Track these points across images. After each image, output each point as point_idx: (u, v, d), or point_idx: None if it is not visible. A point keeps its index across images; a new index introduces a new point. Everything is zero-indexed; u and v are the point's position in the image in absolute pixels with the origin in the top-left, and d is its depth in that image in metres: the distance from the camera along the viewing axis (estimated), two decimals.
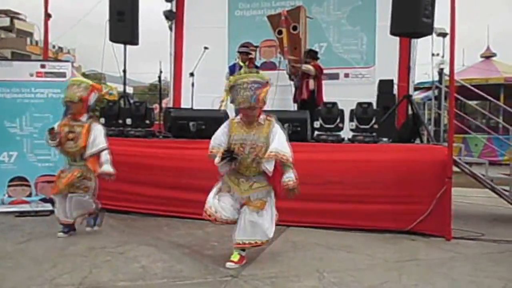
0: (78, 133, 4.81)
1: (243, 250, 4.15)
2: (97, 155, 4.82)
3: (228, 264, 4.04)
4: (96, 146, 4.79)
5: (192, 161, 5.91)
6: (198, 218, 5.68)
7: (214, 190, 4.21)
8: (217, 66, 8.36)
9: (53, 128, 4.85)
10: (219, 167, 4.12)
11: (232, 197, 4.15)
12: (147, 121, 6.66)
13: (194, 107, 7.62)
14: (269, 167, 3.98)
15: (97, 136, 4.83)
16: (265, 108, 6.96)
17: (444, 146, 5.50)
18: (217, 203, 4.10)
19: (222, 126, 4.25)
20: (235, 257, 4.11)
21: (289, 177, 4.02)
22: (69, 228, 4.99)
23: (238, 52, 7.93)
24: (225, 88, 4.32)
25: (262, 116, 4.17)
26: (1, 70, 6.31)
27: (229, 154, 4.00)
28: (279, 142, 4.03)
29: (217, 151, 4.10)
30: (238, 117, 4.25)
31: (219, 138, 4.19)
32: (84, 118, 4.91)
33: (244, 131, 4.12)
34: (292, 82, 7.85)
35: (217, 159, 4.03)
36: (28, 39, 47.18)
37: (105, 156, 4.79)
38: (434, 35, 6.83)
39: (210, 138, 6.02)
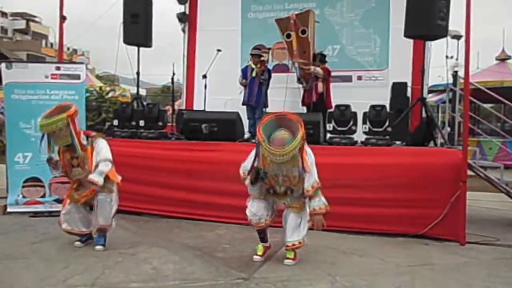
0: (83, 158, 4.49)
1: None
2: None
3: (286, 261, 4.24)
4: (96, 162, 4.47)
5: (204, 163, 5.93)
6: (209, 220, 5.74)
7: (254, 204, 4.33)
8: (230, 68, 8.36)
9: (51, 158, 4.58)
10: (250, 189, 4.29)
11: (265, 201, 4.30)
12: (160, 123, 6.70)
13: (207, 109, 7.64)
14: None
15: (98, 151, 4.51)
16: (276, 110, 6.99)
17: (458, 150, 5.44)
18: (252, 210, 4.28)
19: (254, 152, 4.19)
20: (290, 254, 4.29)
21: (321, 201, 4.16)
22: (87, 237, 4.73)
23: (251, 54, 7.94)
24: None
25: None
26: (16, 72, 6.39)
27: (257, 173, 4.13)
28: (310, 176, 4.11)
29: (247, 175, 4.22)
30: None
31: (249, 164, 4.20)
32: (83, 140, 4.54)
33: (277, 163, 4.05)
34: (300, 85, 7.83)
35: (247, 180, 4.21)
36: (43, 41, 47.85)
37: (101, 166, 4.44)
38: (448, 37, 6.75)
39: (222, 140, 6.14)
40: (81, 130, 4.66)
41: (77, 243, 4.70)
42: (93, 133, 4.70)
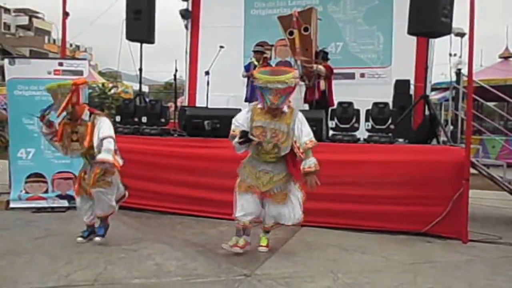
0: (82, 133, 4.52)
1: (268, 232, 4.54)
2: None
3: (261, 249, 4.44)
4: (98, 139, 4.42)
5: (206, 159, 5.93)
6: (211, 217, 5.75)
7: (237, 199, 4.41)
8: (233, 65, 8.35)
9: (44, 116, 4.57)
10: (236, 148, 4.34)
11: (252, 196, 4.35)
12: (163, 120, 6.69)
13: (209, 106, 7.64)
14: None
15: (100, 129, 4.46)
16: None
17: (461, 148, 5.43)
18: (242, 212, 4.36)
19: (245, 111, 4.42)
20: (264, 241, 4.50)
21: (311, 161, 4.21)
22: (89, 232, 4.76)
23: (253, 51, 7.93)
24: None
25: (285, 105, 4.30)
26: (19, 67, 6.40)
27: (246, 135, 4.20)
28: (307, 130, 4.26)
29: (237, 132, 4.27)
30: (260, 104, 4.35)
31: (241, 120, 4.34)
32: (86, 116, 4.57)
33: (267, 118, 4.26)
34: (303, 83, 7.82)
35: (236, 139, 4.24)
36: (46, 38, 47.85)
37: (106, 144, 4.36)
38: (452, 35, 6.73)
39: (225, 137, 6.04)
40: (86, 105, 4.69)
41: (79, 238, 4.70)
42: (97, 111, 4.72)
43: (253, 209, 4.37)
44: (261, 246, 4.50)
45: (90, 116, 4.59)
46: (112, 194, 4.68)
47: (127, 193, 4.98)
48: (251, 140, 4.22)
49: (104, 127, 4.49)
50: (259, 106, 4.34)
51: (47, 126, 4.64)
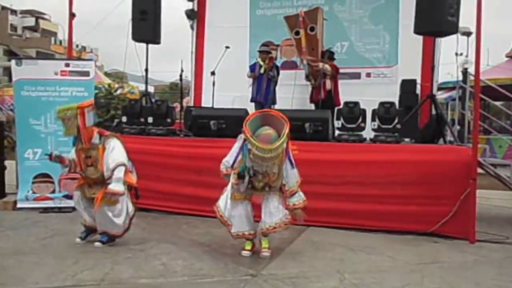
0: (95, 157, 4.46)
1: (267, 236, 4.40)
2: (126, 171, 4.48)
3: (264, 255, 4.31)
4: (109, 170, 4.40)
5: (212, 159, 5.89)
6: (217, 217, 5.74)
7: (226, 194, 4.41)
8: (238, 65, 8.35)
9: (51, 154, 4.61)
10: (237, 187, 4.31)
11: (245, 207, 4.35)
12: (169, 120, 6.71)
13: (215, 106, 7.64)
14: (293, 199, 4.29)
15: (110, 154, 4.42)
16: (285, 107, 6.97)
17: (468, 147, 5.40)
18: (231, 214, 4.35)
19: (234, 147, 4.36)
20: (265, 243, 4.38)
21: (300, 196, 4.28)
22: (87, 233, 4.70)
23: (259, 51, 7.93)
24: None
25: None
26: (26, 68, 6.44)
27: (243, 174, 4.17)
28: (294, 174, 4.26)
29: (229, 171, 4.33)
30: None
31: (231, 159, 4.33)
32: (96, 139, 4.50)
33: (257, 161, 4.11)
34: (309, 83, 7.81)
35: (233, 179, 4.28)
36: (53, 39, 48.13)
37: (116, 173, 4.36)
38: (458, 34, 6.69)
39: (230, 136, 6.08)
40: (95, 128, 4.58)
41: (77, 239, 4.66)
42: (107, 133, 4.66)
43: (248, 225, 4.37)
44: (264, 249, 4.37)
45: (100, 138, 4.53)
46: (117, 214, 4.51)
47: (135, 209, 4.79)
48: (251, 175, 4.17)
49: (114, 153, 4.43)
50: (249, 146, 4.09)
51: (59, 163, 4.63)
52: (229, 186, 4.39)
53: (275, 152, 3.98)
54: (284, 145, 4.05)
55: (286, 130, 4.02)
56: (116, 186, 4.33)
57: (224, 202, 4.40)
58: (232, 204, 4.35)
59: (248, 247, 4.42)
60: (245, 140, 4.11)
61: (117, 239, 4.64)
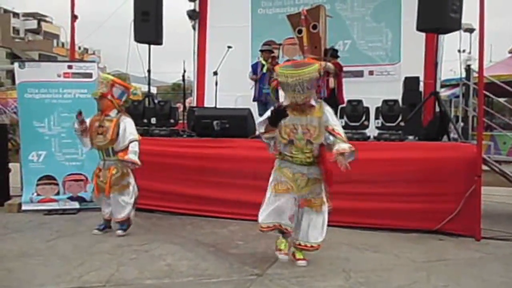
0: (107, 127, 4.93)
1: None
2: (127, 148, 4.88)
3: (300, 263, 4.05)
4: (126, 139, 4.89)
5: (216, 159, 5.94)
6: (222, 217, 5.75)
7: (267, 195, 4.06)
8: (240, 64, 8.35)
9: (81, 113, 4.94)
10: (266, 139, 4.03)
11: (289, 200, 3.98)
12: (172, 120, 6.71)
13: (218, 106, 7.64)
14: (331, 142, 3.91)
15: (126, 128, 4.92)
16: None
17: (472, 144, 5.38)
18: (273, 207, 3.99)
19: (269, 111, 3.99)
20: (300, 255, 4.11)
21: (346, 144, 3.86)
22: (105, 225, 5.13)
23: (261, 50, 7.92)
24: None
25: (313, 99, 4.00)
26: (29, 71, 6.45)
27: (276, 111, 3.81)
28: (335, 121, 4.03)
29: (264, 121, 3.94)
30: (286, 101, 4.01)
31: (266, 116, 3.97)
32: (113, 113, 5.01)
33: (296, 114, 3.95)
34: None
35: (262, 125, 3.94)
36: (55, 41, 48.25)
37: (133, 147, 4.86)
38: (461, 30, 6.66)
39: (234, 136, 6.14)
40: (117, 105, 5.08)
41: (95, 230, 5.04)
42: (124, 112, 5.19)
43: (290, 212, 3.99)
44: (299, 260, 4.09)
45: (117, 114, 5.03)
46: (129, 197, 5.00)
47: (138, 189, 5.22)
48: (283, 113, 3.81)
49: (131, 128, 4.96)
50: (285, 103, 3.99)
51: (80, 123, 4.98)
52: (270, 182, 4.09)
53: (305, 76, 3.79)
54: (316, 74, 3.85)
55: (319, 64, 3.92)
56: (134, 157, 4.82)
57: (262, 208, 4.08)
58: (273, 198, 4.01)
59: (283, 246, 4.12)
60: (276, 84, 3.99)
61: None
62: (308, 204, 4.03)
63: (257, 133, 4.11)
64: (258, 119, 4.06)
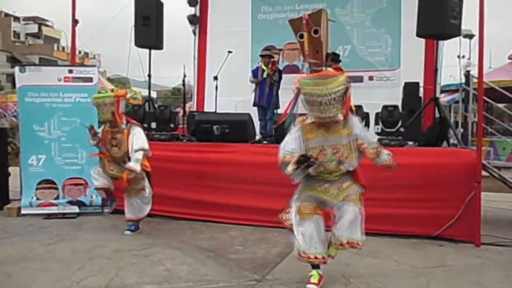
0: (120, 139, 5.11)
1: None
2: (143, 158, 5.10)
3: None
4: (132, 150, 5.04)
5: (216, 164, 5.94)
6: (221, 222, 5.75)
7: (294, 218, 3.71)
8: (240, 69, 8.37)
9: (92, 126, 5.17)
10: (294, 177, 3.60)
11: (317, 224, 3.66)
12: (172, 125, 6.72)
13: (218, 111, 7.65)
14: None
15: (134, 139, 5.07)
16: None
17: (472, 150, 5.38)
18: (299, 230, 3.66)
19: (292, 131, 3.69)
20: (332, 251, 3.77)
21: (387, 154, 3.75)
22: (112, 200, 5.48)
23: (261, 55, 7.94)
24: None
25: (340, 113, 3.53)
26: (30, 75, 6.46)
27: (306, 160, 3.46)
28: (370, 134, 3.81)
29: (289, 159, 3.53)
30: (309, 118, 3.65)
31: (292, 145, 3.62)
32: (123, 124, 5.15)
33: (322, 132, 3.59)
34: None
35: (290, 167, 3.50)
36: (55, 45, 48.35)
37: (136, 155, 5.00)
38: (460, 36, 6.68)
39: (234, 141, 6.14)
40: (124, 115, 5.28)
41: (127, 232, 5.26)
42: (133, 121, 5.32)
43: (319, 235, 3.67)
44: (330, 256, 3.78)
45: (126, 124, 5.18)
46: (146, 201, 5.28)
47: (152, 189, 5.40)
48: (313, 164, 3.49)
49: (139, 138, 5.10)
50: (308, 121, 3.63)
51: (93, 136, 5.19)
52: (294, 197, 3.78)
53: (332, 91, 3.40)
54: (342, 88, 3.47)
55: (344, 76, 3.55)
56: (134, 165, 4.97)
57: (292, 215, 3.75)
58: (299, 221, 3.66)
59: (315, 279, 3.68)
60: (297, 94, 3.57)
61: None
62: (346, 200, 3.67)
63: (284, 173, 3.64)
64: (289, 171, 3.56)
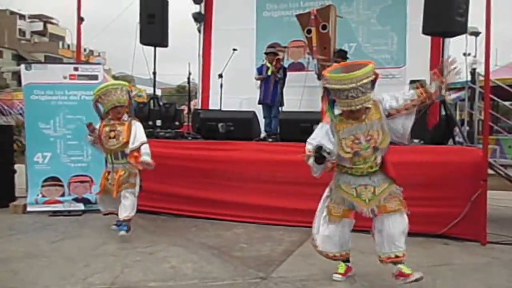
0: (120, 131, 5.02)
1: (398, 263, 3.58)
2: (137, 150, 4.99)
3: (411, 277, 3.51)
4: (137, 141, 5.00)
5: (221, 162, 5.94)
6: (226, 219, 5.75)
7: (321, 213, 3.70)
8: (245, 67, 8.35)
9: (91, 123, 5.07)
10: (313, 171, 3.59)
11: (342, 226, 3.67)
12: (177, 123, 6.74)
13: (223, 109, 7.65)
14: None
15: (137, 131, 5.05)
16: (295, 109, 6.91)
17: (478, 148, 5.35)
18: (324, 235, 3.67)
19: (320, 124, 3.64)
20: (407, 269, 3.56)
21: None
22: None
23: (265, 53, 7.92)
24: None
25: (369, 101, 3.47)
26: (36, 72, 6.48)
27: (318, 150, 3.41)
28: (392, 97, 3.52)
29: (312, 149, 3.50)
30: (336, 110, 3.59)
31: (319, 137, 3.55)
32: (125, 117, 5.11)
33: (352, 122, 3.50)
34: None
35: (310, 159, 3.50)
36: (60, 43, 48.51)
37: (145, 149, 5.01)
38: (466, 34, 6.64)
39: (239, 139, 6.14)
40: (126, 108, 5.17)
41: (113, 226, 5.11)
42: (133, 116, 5.27)
43: (342, 243, 3.72)
44: (407, 276, 3.54)
45: (128, 117, 5.14)
46: (136, 195, 5.06)
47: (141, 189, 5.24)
48: (323, 157, 3.43)
49: (141, 132, 5.09)
50: (336, 111, 3.58)
51: (91, 132, 5.08)
52: (325, 194, 3.75)
53: (357, 81, 3.31)
54: (370, 78, 3.38)
55: (371, 65, 3.45)
56: (148, 158, 4.99)
57: (317, 222, 3.73)
58: (327, 223, 3.66)
59: (341, 270, 3.80)
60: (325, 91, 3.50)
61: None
62: (385, 210, 3.54)
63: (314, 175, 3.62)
64: (309, 162, 3.51)
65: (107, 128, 5.06)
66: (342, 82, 3.36)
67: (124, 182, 5.00)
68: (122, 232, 4.88)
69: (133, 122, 5.09)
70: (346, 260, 3.85)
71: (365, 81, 3.37)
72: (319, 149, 3.42)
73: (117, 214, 5.08)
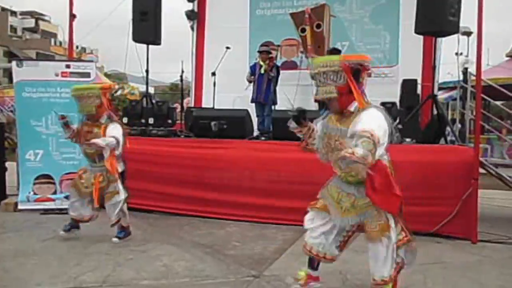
0: (96, 133, 4.67)
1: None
2: (114, 155, 4.64)
3: None
4: (105, 139, 4.59)
5: (213, 160, 5.94)
6: (219, 218, 5.75)
7: (309, 215, 3.42)
8: (238, 65, 8.34)
9: (63, 116, 4.79)
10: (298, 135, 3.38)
11: (326, 226, 3.36)
12: (169, 121, 6.71)
13: (216, 107, 7.64)
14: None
15: (109, 130, 4.66)
16: (286, 107, 6.90)
17: (469, 147, 5.39)
18: (312, 239, 3.38)
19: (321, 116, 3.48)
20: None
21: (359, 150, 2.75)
22: (71, 226, 4.89)
23: (259, 51, 7.92)
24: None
25: (355, 104, 3.14)
26: (27, 70, 6.44)
27: (298, 112, 3.22)
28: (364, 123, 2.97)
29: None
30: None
31: (314, 125, 3.34)
32: (103, 119, 4.77)
33: (334, 121, 3.23)
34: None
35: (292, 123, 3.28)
36: (52, 40, 48.15)
37: (106, 138, 4.57)
38: (458, 34, 6.68)
39: (231, 137, 6.14)
40: (107, 110, 4.82)
41: (62, 233, 4.84)
42: (115, 118, 4.91)
43: (325, 243, 3.38)
44: None
45: (106, 119, 4.78)
46: (121, 201, 4.76)
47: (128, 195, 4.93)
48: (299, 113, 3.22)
49: (114, 129, 4.69)
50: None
51: (64, 126, 4.82)
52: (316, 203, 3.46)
53: (325, 64, 3.07)
54: (334, 68, 3.06)
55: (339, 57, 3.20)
56: (98, 140, 4.51)
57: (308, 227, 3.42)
58: (310, 210, 3.40)
59: (301, 276, 3.43)
60: None
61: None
62: (364, 230, 3.28)
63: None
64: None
65: (85, 128, 4.79)
66: (314, 66, 3.21)
67: (105, 193, 4.74)
68: (115, 239, 4.74)
69: (109, 125, 4.71)
70: (317, 266, 3.47)
71: (323, 69, 3.08)
72: (302, 112, 3.24)
73: (78, 221, 4.88)
